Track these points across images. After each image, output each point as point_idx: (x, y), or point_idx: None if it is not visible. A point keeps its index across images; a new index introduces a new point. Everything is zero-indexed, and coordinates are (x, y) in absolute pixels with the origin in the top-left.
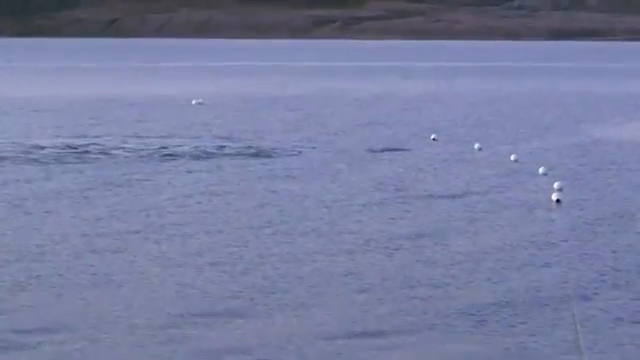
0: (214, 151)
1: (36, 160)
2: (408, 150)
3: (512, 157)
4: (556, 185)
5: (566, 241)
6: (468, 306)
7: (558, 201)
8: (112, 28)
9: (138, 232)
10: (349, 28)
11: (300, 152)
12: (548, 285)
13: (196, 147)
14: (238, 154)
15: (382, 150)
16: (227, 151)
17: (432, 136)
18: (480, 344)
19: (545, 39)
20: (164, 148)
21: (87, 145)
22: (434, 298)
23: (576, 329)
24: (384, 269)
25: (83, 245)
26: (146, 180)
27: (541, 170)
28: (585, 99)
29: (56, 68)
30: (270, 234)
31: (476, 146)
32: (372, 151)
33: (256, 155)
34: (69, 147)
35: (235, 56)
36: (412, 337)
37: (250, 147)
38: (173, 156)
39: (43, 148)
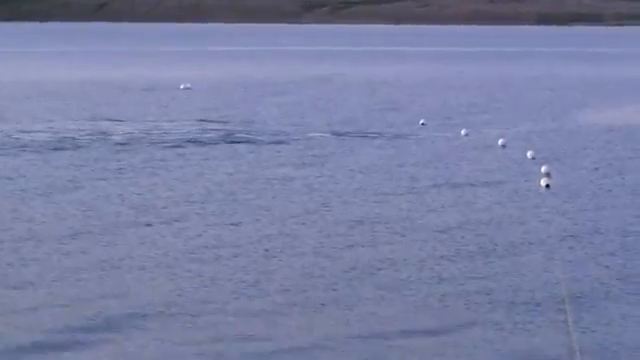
0: (203, 136)
1: (27, 146)
2: (398, 135)
3: (500, 141)
4: (544, 169)
5: (554, 224)
6: (457, 294)
7: (547, 186)
8: (101, 12)
9: (130, 216)
10: (338, 12)
11: (289, 137)
12: (536, 269)
13: (185, 132)
14: (227, 139)
15: (372, 135)
16: (216, 136)
17: (421, 121)
18: (475, 330)
19: (534, 24)
20: (153, 133)
21: (78, 130)
22: (422, 284)
23: (566, 310)
24: (370, 255)
25: (79, 228)
26: (137, 164)
27: (529, 154)
28: (573, 84)
29: (45, 53)
30: (260, 217)
31: (465, 131)
32: (361, 136)
33: (244, 140)
34: (61, 132)
35: (224, 41)
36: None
37: (238, 132)
38: (162, 141)
39: (35, 133)
